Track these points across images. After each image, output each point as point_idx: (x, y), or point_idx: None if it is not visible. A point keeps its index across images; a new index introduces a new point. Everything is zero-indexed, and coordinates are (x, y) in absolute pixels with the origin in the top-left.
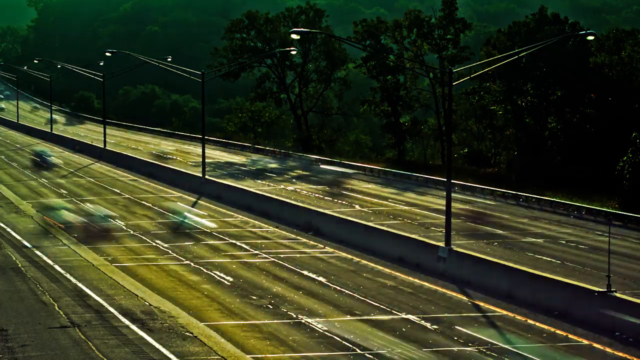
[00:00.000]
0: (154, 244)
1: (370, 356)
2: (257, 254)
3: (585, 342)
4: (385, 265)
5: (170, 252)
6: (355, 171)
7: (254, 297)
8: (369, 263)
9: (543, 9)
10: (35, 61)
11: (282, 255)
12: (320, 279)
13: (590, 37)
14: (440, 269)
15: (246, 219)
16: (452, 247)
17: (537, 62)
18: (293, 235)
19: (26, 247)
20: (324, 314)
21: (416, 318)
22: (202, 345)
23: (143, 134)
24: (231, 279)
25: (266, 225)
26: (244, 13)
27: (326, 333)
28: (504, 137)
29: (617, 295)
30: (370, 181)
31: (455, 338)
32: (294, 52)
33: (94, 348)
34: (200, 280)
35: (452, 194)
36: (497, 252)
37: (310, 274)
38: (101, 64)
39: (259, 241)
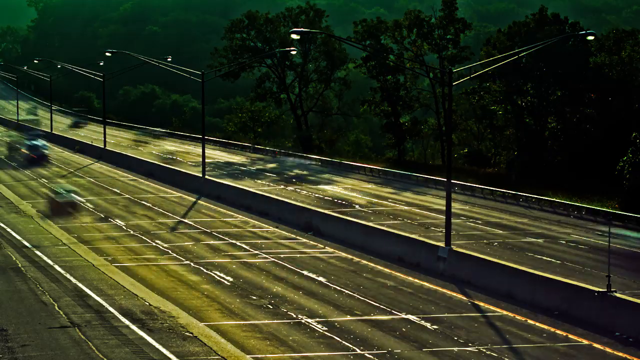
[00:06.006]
0: (154, 244)
1: (370, 356)
2: (257, 254)
3: (585, 342)
4: (385, 265)
5: (170, 252)
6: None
7: (254, 297)
8: (369, 263)
9: (543, 9)
10: (35, 61)
11: (282, 255)
12: (320, 279)
13: (590, 37)
14: (440, 269)
15: (246, 219)
16: (452, 247)
17: (537, 62)
18: (293, 235)
19: (26, 247)
20: (324, 314)
21: (416, 318)
22: (202, 345)
23: (144, 134)
24: (231, 279)
25: (266, 225)
26: (244, 13)
27: (326, 333)
28: (504, 137)
29: (617, 295)
30: (370, 181)
31: (455, 338)
32: (294, 52)
33: (94, 348)
34: (200, 280)
35: (452, 194)
36: (497, 252)
37: (310, 274)
38: (101, 64)
39: (259, 241)
